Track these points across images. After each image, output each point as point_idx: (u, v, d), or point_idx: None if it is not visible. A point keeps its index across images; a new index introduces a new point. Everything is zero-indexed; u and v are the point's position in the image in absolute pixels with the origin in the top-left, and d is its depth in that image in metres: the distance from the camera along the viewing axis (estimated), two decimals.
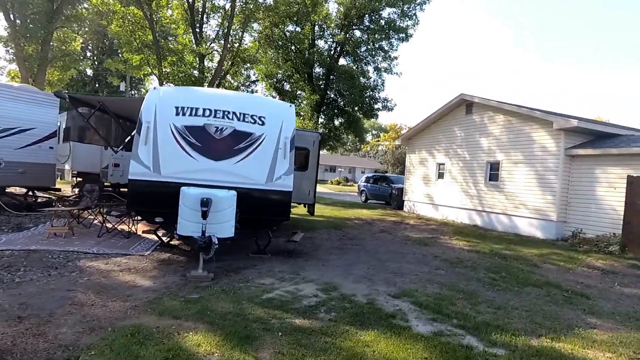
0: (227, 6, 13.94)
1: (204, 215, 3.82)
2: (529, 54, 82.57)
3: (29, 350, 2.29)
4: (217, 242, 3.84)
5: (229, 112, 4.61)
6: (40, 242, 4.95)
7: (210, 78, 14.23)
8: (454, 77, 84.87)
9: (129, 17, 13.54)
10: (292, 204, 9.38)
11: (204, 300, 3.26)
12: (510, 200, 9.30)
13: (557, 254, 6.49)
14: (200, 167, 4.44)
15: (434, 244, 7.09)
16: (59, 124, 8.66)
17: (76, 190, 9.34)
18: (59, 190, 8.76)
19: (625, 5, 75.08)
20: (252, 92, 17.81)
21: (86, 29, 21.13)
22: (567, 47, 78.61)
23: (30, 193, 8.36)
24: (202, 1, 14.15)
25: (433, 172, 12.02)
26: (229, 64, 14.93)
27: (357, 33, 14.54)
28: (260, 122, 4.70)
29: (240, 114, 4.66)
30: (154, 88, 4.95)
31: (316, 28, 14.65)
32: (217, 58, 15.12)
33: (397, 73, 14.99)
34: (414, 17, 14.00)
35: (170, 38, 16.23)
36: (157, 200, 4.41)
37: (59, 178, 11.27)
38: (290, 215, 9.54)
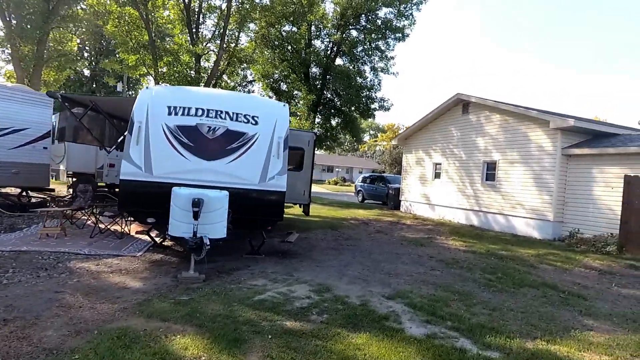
0: (224, 6, 13.97)
1: (196, 215, 3.78)
2: (527, 54, 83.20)
3: (12, 354, 2.23)
4: (208, 243, 3.78)
5: (221, 112, 4.56)
6: (32, 243, 4.89)
7: (206, 78, 14.19)
8: (451, 77, 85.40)
9: (126, 17, 13.47)
10: (287, 205, 9.42)
11: (194, 302, 3.21)
12: (507, 200, 9.28)
13: (554, 254, 6.45)
14: (192, 167, 4.40)
15: (430, 244, 7.04)
16: (54, 124, 8.61)
17: (71, 190, 9.35)
18: (53, 190, 8.72)
19: (622, 6, 75.85)
20: (248, 92, 17.78)
21: (83, 29, 21.10)
22: (566, 48, 79.40)
23: (24, 193, 8.31)
24: (198, 1, 14.12)
25: (430, 172, 11.99)
26: (225, 64, 14.91)
27: (354, 33, 14.59)
28: (253, 122, 4.65)
29: (233, 113, 4.61)
30: (147, 87, 4.96)
31: (312, 28, 14.61)
32: (213, 58, 15.07)
33: (393, 73, 15.09)
34: (411, 16, 14.04)
35: (168, 39, 16.19)
36: (149, 201, 4.35)
37: (54, 178, 11.21)
38: (286, 216, 9.50)
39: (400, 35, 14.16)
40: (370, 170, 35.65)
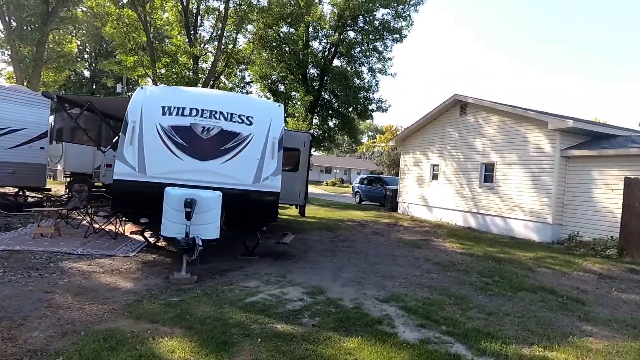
0: (221, 8, 14.00)
1: (188, 216, 3.74)
2: (527, 54, 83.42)
3: None
4: (201, 244, 3.75)
5: (216, 112, 4.55)
6: (25, 243, 4.87)
7: (204, 79, 14.20)
8: (450, 78, 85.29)
9: (125, 19, 13.52)
10: (283, 205, 9.38)
11: (185, 303, 3.16)
12: (505, 202, 9.21)
13: (552, 257, 6.38)
14: (186, 167, 4.37)
15: (427, 246, 6.98)
16: (52, 124, 8.61)
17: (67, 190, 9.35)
18: (50, 190, 8.75)
19: (622, 7, 76.36)
20: (246, 93, 17.81)
21: (83, 31, 21.31)
22: (565, 48, 79.45)
23: (20, 193, 8.32)
24: (196, 3, 14.16)
25: (427, 173, 11.94)
26: (223, 65, 14.93)
27: (351, 34, 14.57)
28: (248, 122, 4.63)
29: (227, 113, 4.59)
30: (141, 88, 4.88)
31: (310, 29, 14.62)
32: (211, 59, 15.11)
33: (391, 74, 15.05)
34: (408, 18, 14.04)
35: (167, 40, 16.27)
36: (142, 201, 4.32)
37: (51, 178, 11.20)
38: (281, 217, 9.46)
39: (397, 36, 14.18)
40: (368, 171, 35.60)
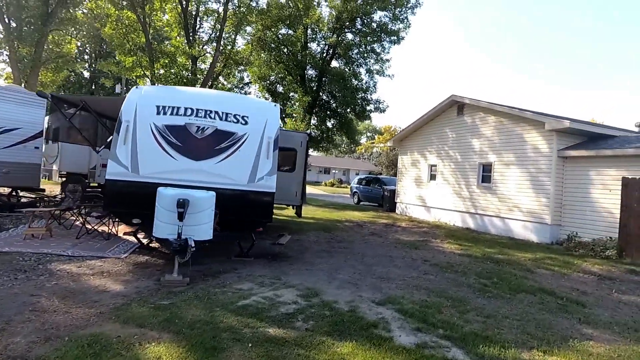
0: (221, 9, 14.04)
1: (180, 216, 3.68)
2: (526, 55, 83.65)
3: None
4: (193, 245, 3.69)
5: (211, 112, 4.52)
6: (15, 244, 4.78)
7: (202, 80, 14.16)
8: (448, 79, 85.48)
9: (125, 20, 13.54)
10: (280, 206, 9.30)
11: (175, 307, 3.08)
12: (504, 203, 9.16)
13: (551, 258, 6.30)
14: (180, 167, 4.33)
15: (425, 247, 6.90)
16: (49, 124, 8.57)
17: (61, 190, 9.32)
18: (44, 190, 8.68)
19: (619, 13, 77.22)
20: (245, 93, 17.77)
21: (84, 32, 21.31)
22: (564, 48, 79.82)
23: (14, 193, 8.27)
24: (195, 5, 14.15)
25: (425, 173, 11.89)
26: (221, 66, 14.93)
27: (349, 36, 14.54)
28: (243, 122, 4.58)
29: (222, 113, 4.55)
30: (136, 87, 4.86)
31: (309, 31, 14.56)
32: (210, 60, 15.08)
33: (389, 75, 15.10)
34: (406, 20, 14.02)
35: (167, 42, 16.28)
36: (135, 201, 4.25)
37: (47, 178, 11.13)
38: (278, 217, 9.36)
39: (395, 38, 14.17)
40: (367, 172, 35.55)
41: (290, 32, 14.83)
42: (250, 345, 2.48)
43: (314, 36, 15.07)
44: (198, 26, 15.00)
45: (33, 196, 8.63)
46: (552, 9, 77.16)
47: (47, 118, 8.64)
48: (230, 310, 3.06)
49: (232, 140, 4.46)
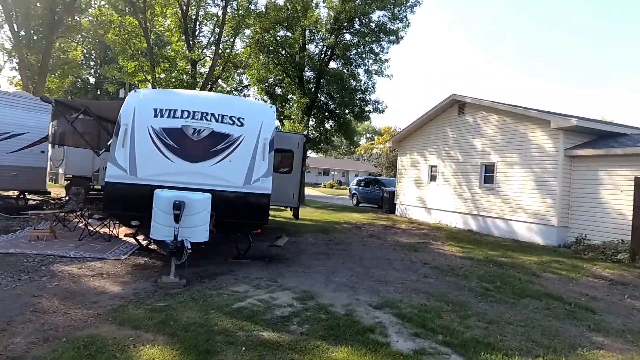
0: (220, 13, 14.18)
1: (176, 218, 3.71)
2: (526, 56, 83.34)
3: None
4: (189, 247, 3.72)
5: (207, 114, 4.57)
6: (20, 245, 4.92)
7: (202, 83, 14.23)
8: (448, 77, 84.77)
9: (127, 26, 13.77)
10: (278, 208, 9.19)
11: (170, 309, 3.09)
12: (507, 204, 8.96)
13: (558, 261, 6.08)
14: (177, 169, 4.38)
15: (425, 249, 6.74)
16: (55, 129, 8.75)
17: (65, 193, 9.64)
18: (49, 193, 8.98)
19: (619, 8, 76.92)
20: (244, 96, 17.84)
21: (89, 39, 21.88)
22: (564, 46, 79.56)
23: (21, 196, 8.54)
24: (195, 9, 14.30)
25: (425, 174, 11.73)
26: (220, 69, 15.08)
27: (348, 36, 14.46)
28: (239, 123, 4.61)
29: (218, 115, 4.58)
30: (135, 91, 4.93)
31: (306, 32, 14.55)
32: (209, 64, 15.24)
33: (388, 75, 14.93)
34: (405, 19, 13.89)
35: (168, 47, 16.51)
36: (133, 203, 4.30)
37: (54, 181, 11.36)
38: (276, 219, 9.25)
39: (394, 37, 14.05)
40: (366, 173, 35.43)
41: (288, 34, 14.84)
42: (243, 349, 2.45)
43: (312, 37, 15.05)
44: (198, 30, 15.21)
45: (40, 199, 8.87)
46: (552, 7, 77.43)
47: (53, 123, 8.83)
48: (225, 312, 3.04)
49: (227, 142, 4.49)
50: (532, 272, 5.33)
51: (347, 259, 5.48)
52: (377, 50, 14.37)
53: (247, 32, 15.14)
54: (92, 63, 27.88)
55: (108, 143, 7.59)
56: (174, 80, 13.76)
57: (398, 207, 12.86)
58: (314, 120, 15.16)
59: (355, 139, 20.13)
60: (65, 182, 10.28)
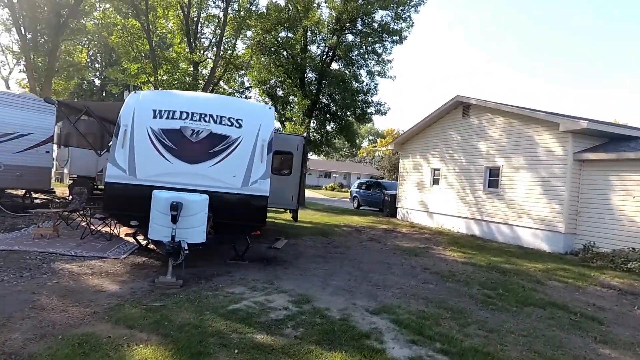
0: (221, 14, 14.24)
1: (174, 219, 3.74)
2: (526, 56, 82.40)
3: None
4: (187, 248, 3.71)
5: (205, 115, 4.57)
6: (24, 243, 5.02)
7: (203, 85, 14.38)
8: (449, 77, 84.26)
9: (130, 29, 14.05)
10: (278, 210, 9.13)
11: (166, 309, 3.09)
12: (512, 209, 8.76)
13: (565, 269, 5.89)
14: (175, 170, 4.37)
15: (426, 254, 6.61)
16: (61, 130, 8.95)
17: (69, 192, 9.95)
18: (54, 192, 9.18)
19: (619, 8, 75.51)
20: (246, 98, 17.90)
21: (95, 42, 22.33)
22: (564, 46, 78.68)
23: (27, 195, 8.76)
24: (196, 11, 14.50)
25: (428, 177, 11.56)
26: (222, 70, 15.16)
27: (350, 37, 14.37)
28: (237, 125, 4.60)
29: (217, 116, 4.58)
30: (134, 92, 4.95)
31: (308, 33, 14.49)
32: (211, 65, 15.39)
33: (391, 77, 14.86)
34: (408, 19, 13.72)
35: (170, 49, 16.77)
36: (132, 204, 4.32)
37: (59, 181, 11.55)
38: (276, 221, 9.18)
39: (397, 37, 13.87)
40: (369, 176, 35.19)
41: (289, 35, 14.78)
42: (236, 351, 2.43)
43: (313, 38, 14.98)
44: (199, 32, 15.32)
45: (46, 198, 9.07)
46: (552, 7, 76.86)
47: (58, 124, 9.02)
48: (220, 314, 3.03)
49: (226, 143, 4.49)
50: (536, 279, 5.17)
51: (345, 263, 5.40)
52: (379, 51, 14.23)
53: (249, 33, 15.15)
54: (97, 65, 28.43)
55: (109, 144, 7.74)
56: (176, 82, 13.87)
57: (399, 210, 12.70)
58: (315, 122, 15.07)
59: (357, 141, 19.96)
60: (70, 182, 10.48)
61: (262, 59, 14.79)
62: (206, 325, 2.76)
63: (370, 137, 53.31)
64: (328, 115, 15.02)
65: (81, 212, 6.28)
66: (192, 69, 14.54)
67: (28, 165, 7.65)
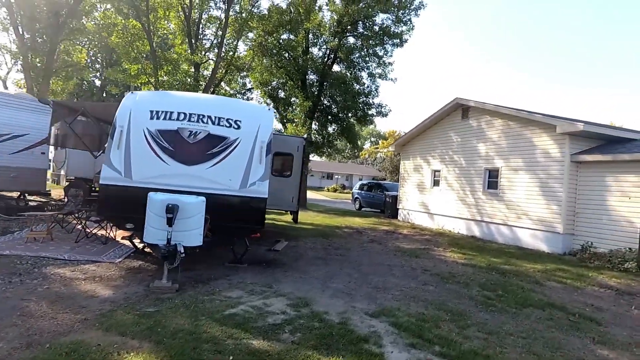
0: (222, 16, 14.26)
1: (169, 222, 3.66)
2: (526, 56, 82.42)
3: None
4: (183, 251, 3.66)
5: (203, 116, 4.51)
6: (16, 247, 4.90)
7: (204, 86, 14.40)
8: (449, 77, 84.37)
9: (130, 29, 13.99)
10: (279, 211, 9.13)
11: (160, 314, 3.02)
12: (512, 210, 8.77)
13: (563, 270, 5.90)
14: (172, 172, 4.33)
15: (426, 256, 6.60)
16: (56, 131, 8.94)
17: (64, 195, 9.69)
18: (49, 194, 9.14)
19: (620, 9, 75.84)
20: (247, 99, 17.92)
21: (95, 42, 22.12)
22: (564, 46, 78.68)
23: (22, 197, 8.59)
24: (198, 12, 14.51)
25: (428, 179, 11.58)
26: (223, 72, 15.12)
27: (351, 39, 14.43)
28: (235, 126, 4.55)
29: (215, 117, 4.53)
30: (131, 93, 4.88)
31: (310, 35, 14.55)
32: (212, 67, 15.35)
33: (392, 79, 14.84)
34: (409, 22, 13.86)
35: (171, 50, 16.77)
36: (128, 206, 4.23)
37: (56, 183, 11.44)
38: (277, 223, 9.16)
39: (398, 41, 13.99)
40: (370, 177, 35.15)
41: (291, 37, 14.81)
42: (231, 358, 2.38)
43: (315, 40, 15.03)
44: (200, 33, 15.28)
45: (42, 200, 8.95)
46: (552, 7, 77.37)
47: (55, 125, 8.95)
48: (216, 319, 2.96)
49: (224, 144, 4.44)
50: (535, 280, 5.17)
51: (345, 265, 5.37)
52: (380, 54, 14.29)
53: (250, 35, 15.15)
54: (97, 66, 28.25)
55: (105, 145, 7.68)
56: (177, 83, 13.80)
57: (400, 212, 12.71)
58: (317, 123, 15.07)
59: (359, 142, 19.98)
60: (67, 183, 10.35)
61: (264, 60, 14.80)
62: (201, 331, 2.70)
63: (372, 139, 53.30)
64: (329, 117, 15.03)
65: (76, 215, 6.13)
66: (193, 70, 14.50)
67: (23, 167, 7.50)
